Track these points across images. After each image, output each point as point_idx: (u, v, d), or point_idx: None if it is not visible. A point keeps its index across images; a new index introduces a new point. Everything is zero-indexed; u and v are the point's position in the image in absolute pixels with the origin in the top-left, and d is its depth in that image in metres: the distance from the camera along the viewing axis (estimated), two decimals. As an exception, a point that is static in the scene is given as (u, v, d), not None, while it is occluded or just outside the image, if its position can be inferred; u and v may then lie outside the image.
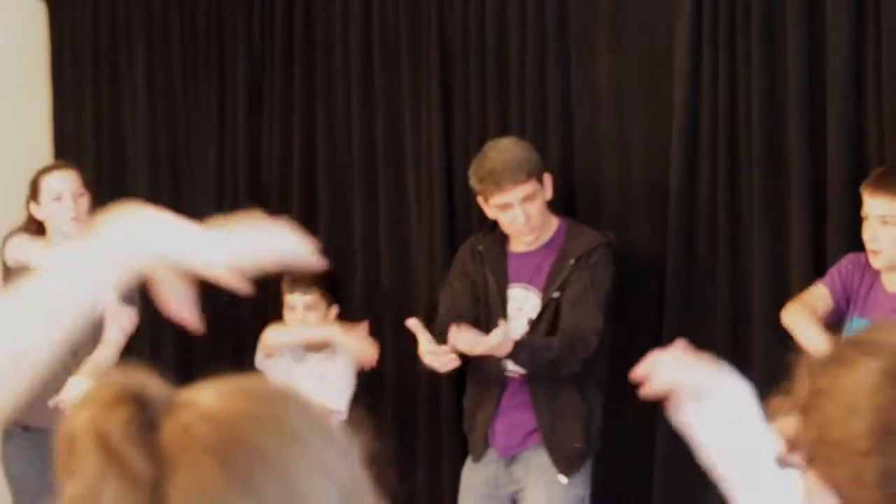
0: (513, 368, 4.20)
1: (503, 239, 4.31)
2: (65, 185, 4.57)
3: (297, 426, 0.93)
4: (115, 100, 5.57)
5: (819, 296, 3.81)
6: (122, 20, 5.54)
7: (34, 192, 4.60)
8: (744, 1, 4.20)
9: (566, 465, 4.15)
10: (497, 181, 4.12)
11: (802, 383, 1.31)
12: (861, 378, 1.25)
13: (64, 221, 4.54)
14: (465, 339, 4.00)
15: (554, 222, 4.28)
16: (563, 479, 4.15)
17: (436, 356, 4.10)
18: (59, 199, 4.56)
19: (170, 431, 0.90)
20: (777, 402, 1.32)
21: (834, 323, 3.78)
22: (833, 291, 3.80)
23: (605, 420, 4.27)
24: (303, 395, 0.98)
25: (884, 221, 3.63)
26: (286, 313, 4.63)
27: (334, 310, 4.65)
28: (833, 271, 3.84)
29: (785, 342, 4.12)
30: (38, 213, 4.60)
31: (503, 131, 4.50)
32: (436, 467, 4.84)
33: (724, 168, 4.28)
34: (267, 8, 5.24)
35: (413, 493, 4.89)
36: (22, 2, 5.66)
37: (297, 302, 4.60)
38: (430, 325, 4.69)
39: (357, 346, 4.51)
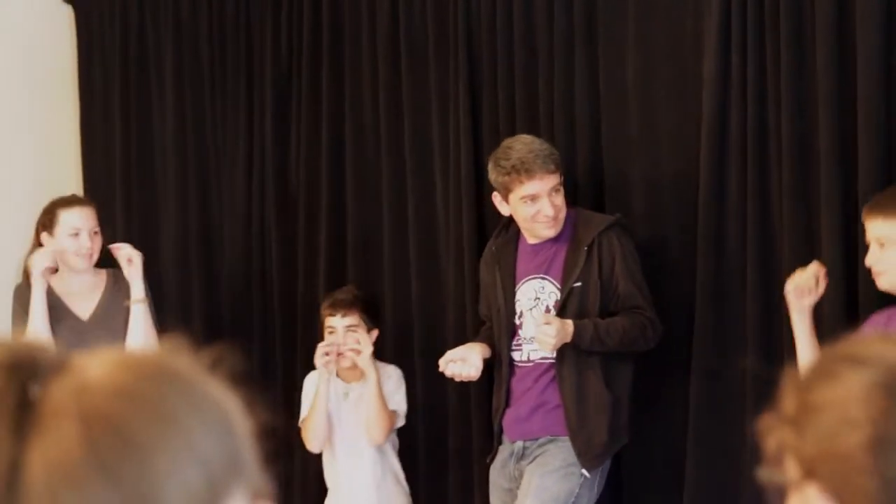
0: (527, 359, 4.25)
1: (515, 236, 4.33)
2: (83, 222, 4.59)
3: (173, 406, 0.92)
4: (143, 104, 5.58)
5: None
6: (150, 24, 5.56)
7: (49, 223, 4.60)
8: (772, 1, 4.18)
9: (591, 458, 4.14)
10: (529, 169, 4.13)
11: (790, 398, 1.31)
12: (852, 390, 1.26)
13: (77, 257, 4.55)
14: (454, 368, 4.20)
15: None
16: (586, 473, 4.14)
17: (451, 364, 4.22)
18: (76, 234, 4.57)
19: (47, 398, 0.89)
20: (765, 419, 1.33)
21: None
22: None
23: (631, 416, 4.27)
24: (194, 373, 0.95)
25: (880, 243, 3.66)
26: (327, 336, 4.62)
27: (375, 333, 4.63)
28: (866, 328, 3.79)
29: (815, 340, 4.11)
30: (50, 243, 4.60)
31: (531, 132, 4.48)
32: (468, 471, 4.83)
33: (753, 169, 4.25)
34: (294, 11, 5.25)
35: (445, 499, 4.89)
36: (49, 6, 5.68)
37: (338, 324, 4.59)
38: (460, 337, 4.71)
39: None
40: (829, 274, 3.93)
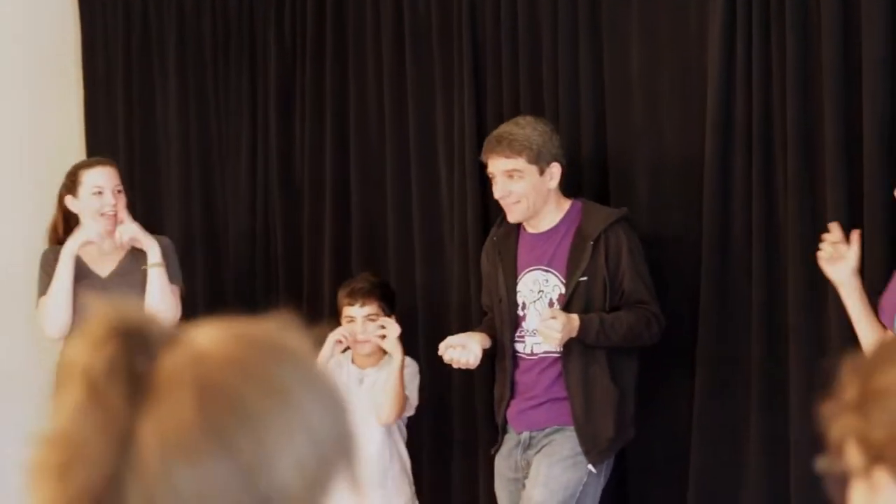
0: (530, 352, 4.24)
1: (517, 226, 4.31)
2: (105, 180, 4.58)
3: (287, 380, 0.92)
4: (146, 93, 5.58)
5: None
6: (154, 13, 5.55)
7: (72, 185, 4.61)
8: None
9: (598, 453, 4.14)
10: (485, 149, 4.21)
11: (851, 385, 1.28)
12: None
13: (101, 216, 4.55)
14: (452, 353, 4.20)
15: (564, 205, 4.27)
16: (592, 468, 4.13)
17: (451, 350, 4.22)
18: (99, 193, 4.57)
19: (159, 369, 0.90)
20: (826, 407, 1.30)
21: None
22: None
23: (637, 408, 4.27)
24: (306, 350, 0.96)
25: None
26: (345, 324, 4.61)
27: (392, 319, 4.62)
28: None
29: (819, 328, 4.11)
30: (74, 205, 4.61)
31: (535, 123, 4.48)
32: (472, 462, 4.83)
33: (758, 159, 4.25)
34: (298, 2, 5.24)
35: (449, 489, 4.89)
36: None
37: (357, 313, 4.59)
38: (465, 328, 4.71)
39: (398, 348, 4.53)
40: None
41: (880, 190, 3.94)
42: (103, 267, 4.65)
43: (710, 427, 4.35)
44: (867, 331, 3.59)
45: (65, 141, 5.63)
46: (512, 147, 4.15)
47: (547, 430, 4.22)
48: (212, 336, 0.93)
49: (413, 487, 4.68)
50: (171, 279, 4.65)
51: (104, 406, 0.88)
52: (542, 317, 4.07)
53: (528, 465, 4.24)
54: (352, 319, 4.59)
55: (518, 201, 4.18)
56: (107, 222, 4.58)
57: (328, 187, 5.18)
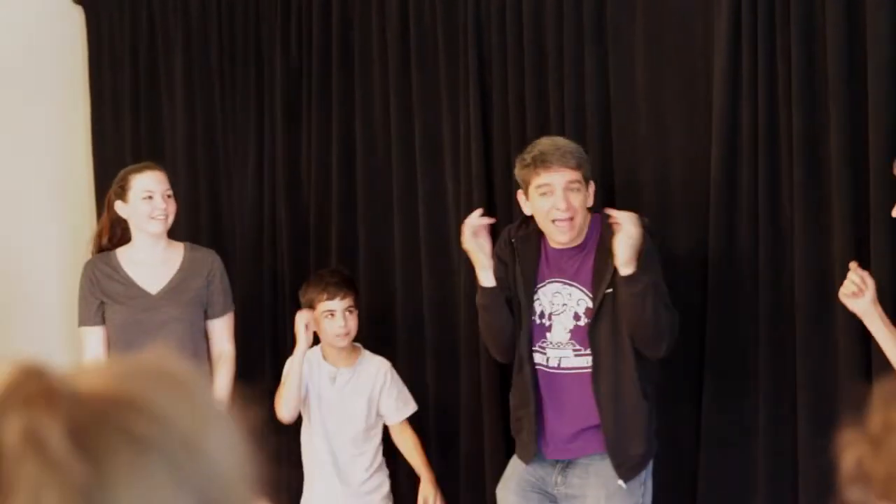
0: (556, 366, 4.16)
1: (537, 234, 4.24)
2: (156, 184, 4.58)
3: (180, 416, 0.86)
4: (153, 104, 5.60)
5: None
6: (160, 24, 5.57)
7: (122, 191, 4.59)
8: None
9: (628, 469, 4.08)
10: (545, 160, 4.08)
11: (877, 415, 1.26)
12: None
13: (151, 220, 4.55)
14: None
15: (588, 219, 4.20)
16: (622, 484, 4.08)
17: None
18: (149, 197, 4.56)
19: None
20: (848, 434, 1.27)
21: None
22: None
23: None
24: (193, 378, 0.90)
25: None
26: (325, 322, 4.63)
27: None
28: None
29: (827, 339, 4.10)
30: (124, 211, 4.60)
31: (542, 132, 4.48)
32: (479, 474, 4.83)
33: (764, 166, 4.25)
34: (304, 13, 5.26)
35: (455, 500, 4.89)
36: (60, 8, 5.70)
37: (338, 306, 4.61)
38: (472, 337, 4.70)
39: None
40: (841, 265, 3.91)
41: (888, 200, 3.94)
42: (153, 282, 4.62)
43: (718, 436, 4.34)
44: None
45: (72, 154, 5.64)
46: (576, 159, 4.10)
47: (581, 460, 4.14)
48: (91, 376, 0.86)
49: (388, 482, 4.70)
50: (228, 308, 4.71)
51: (65, 478, 0.80)
52: (630, 218, 3.97)
53: (566, 483, 4.15)
54: (332, 314, 4.61)
55: (573, 217, 4.10)
56: (157, 226, 4.57)
57: (334, 197, 5.19)
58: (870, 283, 3.70)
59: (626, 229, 3.94)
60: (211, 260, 4.69)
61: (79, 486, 0.78)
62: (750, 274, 4.29)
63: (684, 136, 4.47)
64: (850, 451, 1.24)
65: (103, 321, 4.57)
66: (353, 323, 4.64)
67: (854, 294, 3.69)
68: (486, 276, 4.21)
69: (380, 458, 4.69)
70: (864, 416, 1.26)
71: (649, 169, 4.53)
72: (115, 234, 4.65)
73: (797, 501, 4.19)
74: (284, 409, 4.59)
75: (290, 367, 4.62)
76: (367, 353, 4.73)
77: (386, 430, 4.73)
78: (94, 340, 4.58)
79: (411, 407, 4.71)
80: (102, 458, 0.81)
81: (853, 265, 3.74)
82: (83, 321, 4.60)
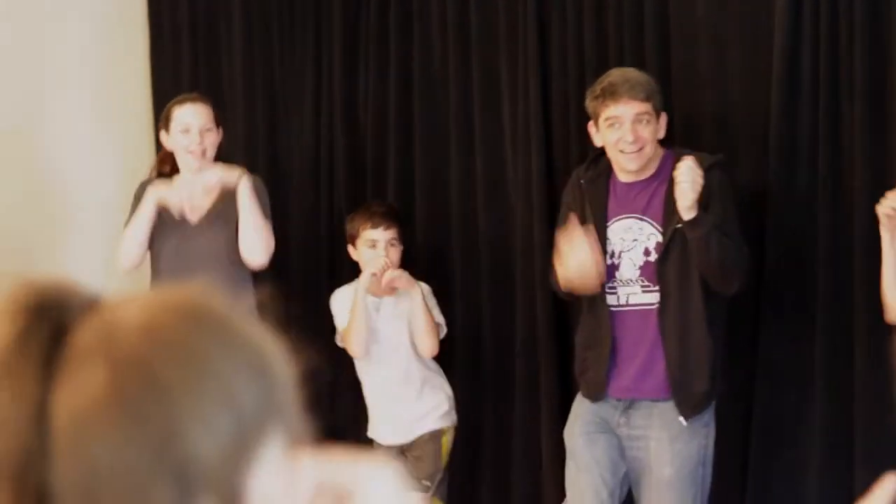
0: (624, 303, 4.14)
1: (607, 170, 4.21)
2: (194, 118, 4.57)
3: (203, 347, 0.89)
4: (211, 48, 5.59)
5: None
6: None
7: (165, 122, 4.62)
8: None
9: (690, 408, 4.06)
10: (614, 92, 4.06)
11: None
12: None
13: (187, 154, 4.55)
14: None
15: (660, 153, 4.19)
16: (683, 421, 4.05)
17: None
18: (186, 131, 4.57)
19: (73, 341, 0.88)
20: None
21: None
22: None
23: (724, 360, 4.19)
24: (229, 314, 0.93)
25: None
26: (365, 250, 4.64)
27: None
28: None
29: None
30: (168, 143, 4.63)
31: (600, 71, 4.45)
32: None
33: (824, 106, 4.22)
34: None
35: (510, 435, 4.91)
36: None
37: (380, 237, 4.63)
38: (528, 272, 4.70)
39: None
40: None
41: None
42: (193, 213, 4.60)
43: (772, 390, 4.35)
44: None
45: (131, 90, 5.66)
46: (645, 91, 4.08)
47: (654, 396, 4.11)
48: (129, 306, 0.91)
49: (451, 400, 4.71)
50: (264, 214, 4.61)
51: (16, 379, 0.87)
52: (687, 166, 3.94)
53: (629, 424, 4.14)
54: (374, 244, 4.63)
55: (642, 148, 4.09)
56: (193, 160, 4.56)
57: (392, 134, 5.18)
58: None
59: (684, 175, 3.91)
60: (252, 182, 4.60)
61: (29, 395, 0.87)
62: (809, 213, 4.28)
63: (744, 74, 4.44)
64: None
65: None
66: (395, 255, 4.64)
67: (889, 217, 3.68)
68: None
69: (433, 379, 4.71)
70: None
71: (709, 107, 4.51)
72: (172, 162, 4.68)
73: (853, 431, 4.18)
74: (355, 344, 4.62)
75: (350, 308, 4.64)
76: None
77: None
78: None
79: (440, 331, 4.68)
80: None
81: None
82: (127, 223, 4.61)
